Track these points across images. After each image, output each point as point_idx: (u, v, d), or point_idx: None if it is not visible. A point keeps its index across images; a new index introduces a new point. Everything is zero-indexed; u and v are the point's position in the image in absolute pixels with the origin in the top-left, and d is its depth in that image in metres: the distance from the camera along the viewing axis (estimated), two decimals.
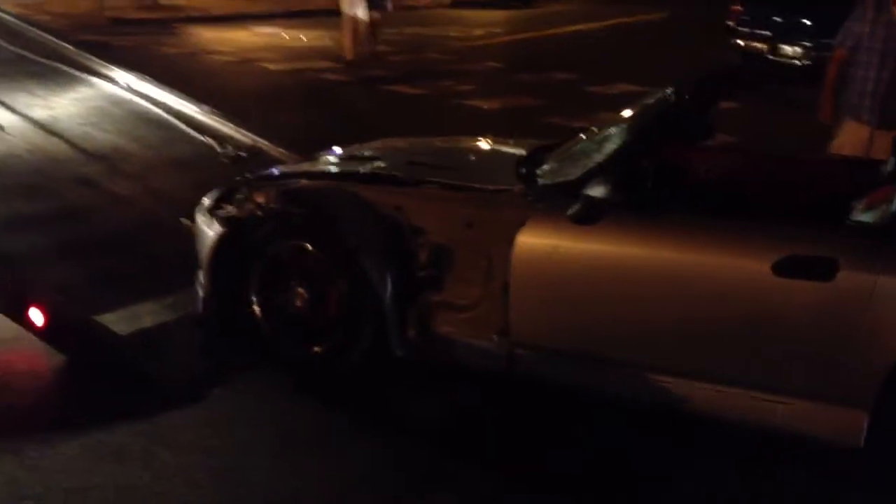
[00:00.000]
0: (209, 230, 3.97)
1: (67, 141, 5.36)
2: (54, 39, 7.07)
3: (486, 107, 10.14)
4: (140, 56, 12.17)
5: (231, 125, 6.11)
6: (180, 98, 6.34)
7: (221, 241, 3.90)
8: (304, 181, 4.10)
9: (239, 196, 3.99)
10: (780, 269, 3.03)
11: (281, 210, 3.87)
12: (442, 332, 3.66)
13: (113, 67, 6.65)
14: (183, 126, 5.97)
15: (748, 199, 3.80)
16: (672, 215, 3.34)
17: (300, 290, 3.84)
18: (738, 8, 12.65)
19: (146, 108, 6.16)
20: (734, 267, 3.13)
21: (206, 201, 4.13)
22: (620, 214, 3.31)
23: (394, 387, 3.83)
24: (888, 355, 2.94)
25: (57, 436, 3.34)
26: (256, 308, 3.95)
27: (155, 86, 6.48)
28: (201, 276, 4.02)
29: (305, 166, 4.51)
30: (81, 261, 4.23)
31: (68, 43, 7.08)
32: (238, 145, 5.71)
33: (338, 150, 4.71)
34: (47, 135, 5.39)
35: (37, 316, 3.72)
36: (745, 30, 12.36)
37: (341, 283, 3.74)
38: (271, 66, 12.85)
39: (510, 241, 3.41)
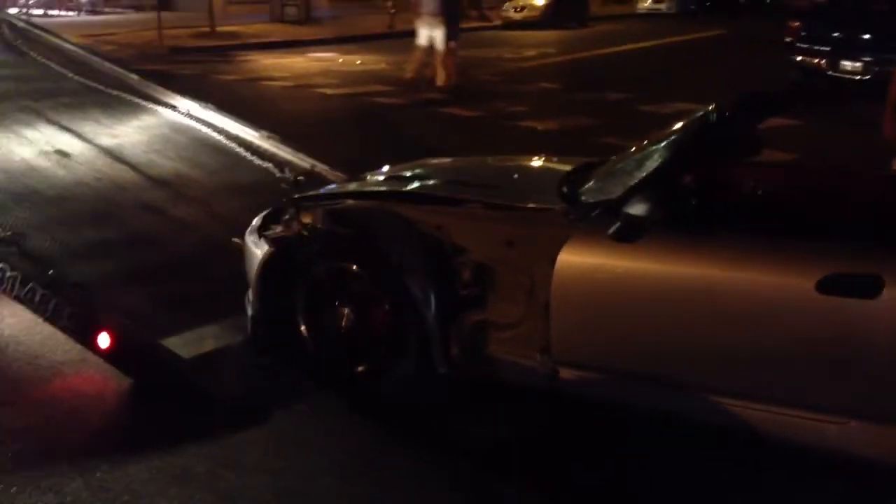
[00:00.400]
0: (257, 250, 4.05)
1: (132, 168, 5.51)
2: (118, 69, 7.28)
3: (540, 127, 10.14)
4: (200, 84, 12.42)
5: (289, 150, 6.22)
6: (240, 124, 6.48)
7: (268, 260, 3.97)
8: (349, 201, 4.15)
9: (286, 217, 4.07)
10: (823, 286, 2.99)
11: (326, 230, 3.93)
12: (485, 350, 3.69)
13: (174, 95, 6.83)
14: (243, 151, 6.10)
15: (797, 215, 3.74)
16: (713, 233, 3.30)
17: (345, 309, 3.89)
18: (797, 24, 12.48)
19: (207, 134, 6.31)
20: (778, 285, 3.09)
21: (256, 222, 4.22)
22: (661, 232, 3.31)
23: (449, 408, 3.83)
24: None
25: (123, 457, 3.39)
26: (302, 327, 4.01)
27: (215, 112, 6.64)
28: (250, 295, 4.09)
29: (351, 186, 4.57)
30: (146, 285, 4.34)
31: (131, 72, 7.29)
32: (296, 169, 5.79)
33: (384, 169, 4.77)
34: (113, 162, 5.55)
35: (104, 339, 3.81)
36: (804, 46, 12.19)
37: (385, 302, 3.78)
38: (328, 91, 13.01)
39: (552, 260, 3.42)
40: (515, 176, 4.59)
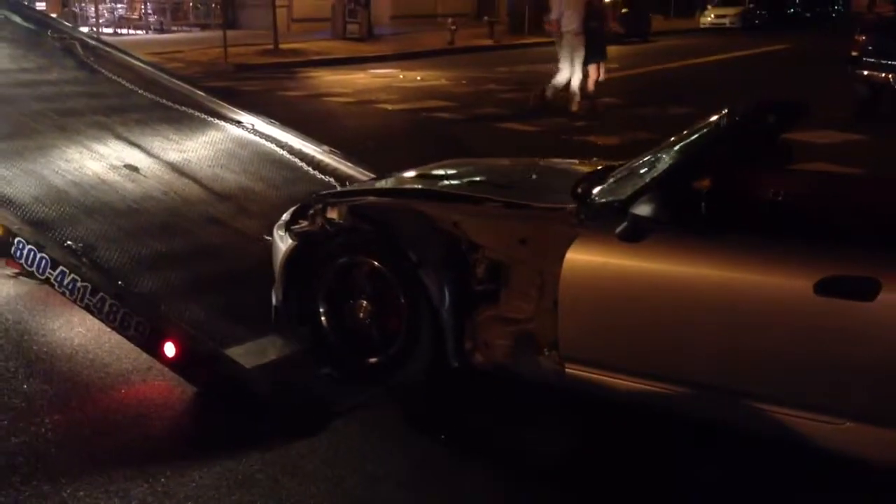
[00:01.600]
0: (282, 244, 4.21)
1: (198, 181, 5.61)
2: (185, 86, 7.43)
3: (599, 142, 10.11)
4: (264, 100, 12.65)
5: (350, 164, 6.29)
6: (302, 139, 6.57)
7: (292, 253, 4.14)
8: (372, 198, 4.27)
9: (311, 212, 4.20)
10: (821, 288, 3.02)
11: (348, 225, 4.06)
12: (497, 345, 3.77)
13: (239, 111, 6.95)
14: (305, 166, 6.18)
15: (804, 219, 3.82)
16: (717, 235, 3.36)
17: (364, 302, 4.02)
18: (863, 38, 12.26)
19: (270, 149, 6.41)
20: (777, 286, 3.14)
21: (285, 217, 4.38)
22: (666, 233, 3.39)
23: (505, 416, 3.85)
24: None
25: (187, 464, 3.46)
26: (323, 318, 4.14)
27: (278, 128, 6.73)
28: (274, 288, 4.25)
29: (375, 185, 4.73)
30: (211, 296, 4.42)
31: (198, 89, 7.43)
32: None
33: (410, 170, 4.88)
34: (180, 176, 5.66)
35: (170, 349, 3.90)
36: (870, 60, 11.95)
37: (402, 296, 3.88)
38: (389, 107, 13.15)
39: (560, 258, 3.50)
40: (534, 177, 4.73)
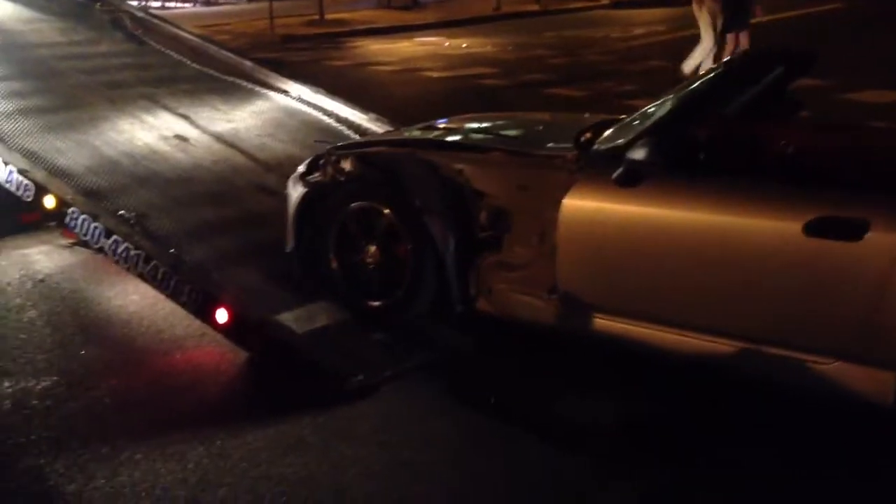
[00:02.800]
0: (294, 192, 4.35)
1: (247, 151, 5.65)
2: (233, 57, 7.46)
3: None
4: (310, 69, 12.66)
5: None
6: (349, 107, 6.57)
7: (303, 200, 4.32)
8: (380, 148, 4.40)
9: (322, 161, 4.31)
10: (810, 229, 3.06)
11: (358, 173, 4.17)
12: (499, 290, 3.89)
13: (286, 81, 6.97)
14: (352, 134, 6.19)
15: (803, 165, 3.85)
16: (710, 179, 3.43)
17: (372, 247, 4.14)
18: None
19: (317, 117, 6.43)
20: (767, 228, 3.20)
21: (301, 168, 4.48)
22: (660, 178, 3.45)
23: (562, 381, 3.84)
24: None
25: (242, 427, 3.52)
26: (334, 263, 4.27)
27: (325, 96, 6.74)
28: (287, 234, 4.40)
29: (387, 136, 4.92)
30: (262, 263, 4.47)
31: (245, 59, 7.46)
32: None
33: (425, 123, 4.99)
34: (229, 145, 5.70)
35: (222, 315, 3.96)
36: None
37: (408, 241, 4.00)
38: (434, 75, 13.08)
39: (557, 203, 3.58)
40: (540, 128, 4.81)
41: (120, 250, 4.21)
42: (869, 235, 2.98)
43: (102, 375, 3.96)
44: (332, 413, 3.61)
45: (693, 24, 11.08)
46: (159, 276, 4.12)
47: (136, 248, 4.18)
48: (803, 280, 3.14)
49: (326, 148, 4.49)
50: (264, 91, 6.78)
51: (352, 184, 4.21)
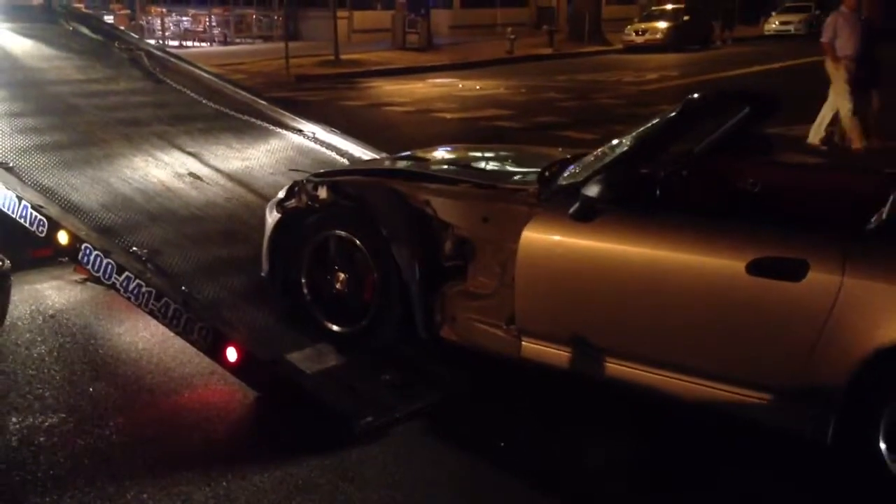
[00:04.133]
0: (270, 218, 4.47)
1: (260, 189, 5.66)
2: (248, 96, 7.52)
3: None
4: (324, 109, 12.78)
5: None
6: (362, 147, 6.60)
7: (277, 225, 4.44)
8: (353, 176, 4.51)
9: (296, 189, 4.41)
10: (753, 268, 3.16)
11: (329, 201, 4.28)
12: (462, 318, 3.98)
13: (300, 120, 7.01)
14: None
15: (750, 204, 4.03)
16: (661, 217, 3.56)
17: (341, 274, 4.24)
18: None
19: (331, 157, 6.44)
20: (711, 265, 3.29)
21: (280, 195, 4.57)
22: (613, 214, 3.54)
23: (572, 426, 3.80)
24: (853, 355, 2.98)
25: (247, 468, 3.49)
26: (305, 288, 4.35)
27: (339, 136, 6.78)
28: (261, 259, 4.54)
29: (364, 164, 5.05)
30: (273, 302, 4.46)
31: (260, 98, 7.52)
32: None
33: (404, 153, 5.13)
34: (242, 183, 5.72)
35: (232, 354, 3.95)
36: None
37: (375, 269, 4.09)
38: (447, 116, 13.18)
39: (517, 235, 3.67)
40: (511, 161, 4.92)
41: (131, 287, 4.21)
42: (809, 276, 3.06)
43: (110, 413, 3.94)
44: (340, 455, 3.57)
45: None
46: (170, 313, 4.12)
47: (147, 285, 4.18)
48: (746, 318, 3.23)
49: (305, 176, 4.59)
50: (278, 130, 6.82)
51: (323, 211, 4.32)
